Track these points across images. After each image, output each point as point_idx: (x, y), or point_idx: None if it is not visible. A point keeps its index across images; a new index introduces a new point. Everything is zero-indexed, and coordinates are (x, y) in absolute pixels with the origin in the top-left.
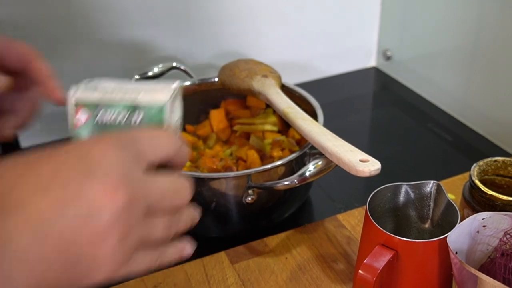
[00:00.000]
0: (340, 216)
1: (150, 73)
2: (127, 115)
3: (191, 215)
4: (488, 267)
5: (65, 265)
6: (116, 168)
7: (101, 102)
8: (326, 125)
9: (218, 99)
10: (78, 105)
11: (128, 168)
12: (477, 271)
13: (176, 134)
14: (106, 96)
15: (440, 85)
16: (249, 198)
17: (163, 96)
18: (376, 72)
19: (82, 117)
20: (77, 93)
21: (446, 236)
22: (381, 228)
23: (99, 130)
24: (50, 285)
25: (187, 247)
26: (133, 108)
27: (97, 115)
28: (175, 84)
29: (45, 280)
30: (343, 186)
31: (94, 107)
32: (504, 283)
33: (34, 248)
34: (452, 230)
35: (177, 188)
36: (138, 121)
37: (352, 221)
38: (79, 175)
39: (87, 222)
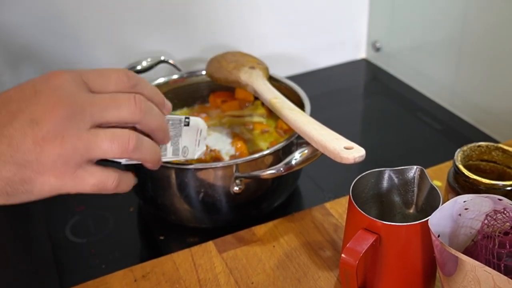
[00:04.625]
0: (327, 205)
1: (139, 67)
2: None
3: (151, 147)
4: (472, 250)
5: (13, 170)
6: (60, 89)
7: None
8: (317, 116)
9: (207, 92)
10: None
11: (71, 89)
12: (456, 252)
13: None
14: None
15: (429, 75)
16: (237, 188)
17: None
18: (366, 63)
19: None
20: None
21: (428, 219)
22: (363, 213)
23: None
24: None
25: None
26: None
27: None
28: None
29: None
30: (332, 176)
31: None
32: (486, 264)
33: None
34: (434, 213)
35: (119, 102)
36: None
37: (340, 209)
38: (28, 96)
39: (30, 129)
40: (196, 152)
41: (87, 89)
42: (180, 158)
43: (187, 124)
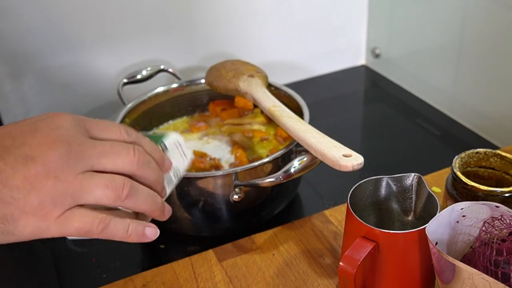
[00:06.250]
0: (327, 212)
1: (139, 76)
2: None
3: (148, 196)
4: (470, 257)
5: None
6: (61, 129)
7: None
8: (317, 123)
9: (206, 101)
10: None
11: (72, 131)
12: (454, 259)
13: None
14: None
15: (428, 81)
16: (236, 197)
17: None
18: (365, 70)
19: None
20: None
21: (425, 227)
22: (361, 221)
23: None
24: None
25: (146, 230)
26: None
27: None
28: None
29: None
30: (332, 183)
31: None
32: (484, 271)
33: None
34: (431, 221)
35: (119, 150)
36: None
37: (339, 216)
38: (26, 133)
39: (23, 165)
40: (186, 166)
41: (87, 134)
42: (176, 181)
43: (165, 148)
